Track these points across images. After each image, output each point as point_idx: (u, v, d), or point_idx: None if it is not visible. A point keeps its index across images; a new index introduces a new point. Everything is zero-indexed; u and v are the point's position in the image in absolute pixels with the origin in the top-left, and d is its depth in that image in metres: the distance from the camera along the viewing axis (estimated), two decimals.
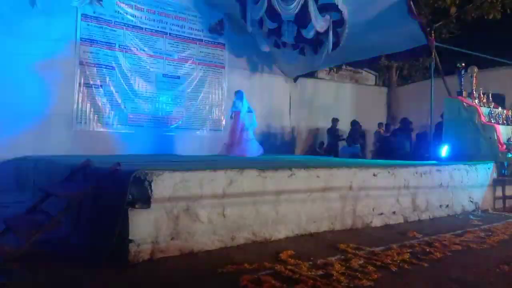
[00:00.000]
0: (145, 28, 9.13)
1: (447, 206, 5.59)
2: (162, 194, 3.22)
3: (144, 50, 9.09)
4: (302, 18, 7.96)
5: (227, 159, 7.18)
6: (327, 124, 12.08)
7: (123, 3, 8.82)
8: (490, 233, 4.41)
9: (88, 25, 8.39)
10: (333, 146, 11.45)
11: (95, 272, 2.86)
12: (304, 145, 12.10)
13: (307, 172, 4.21)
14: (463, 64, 7.53)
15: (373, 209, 4.70)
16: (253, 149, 8.50)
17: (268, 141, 10.97)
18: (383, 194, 4.82)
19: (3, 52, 7.27)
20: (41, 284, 2.68)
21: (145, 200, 3.14)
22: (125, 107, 8.80)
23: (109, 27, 8.63)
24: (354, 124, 11.55)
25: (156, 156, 7.51)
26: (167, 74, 9.44)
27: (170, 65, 9.50)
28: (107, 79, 8.61)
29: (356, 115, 11.82)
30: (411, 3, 7.41)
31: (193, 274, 2.90)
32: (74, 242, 3.58)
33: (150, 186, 3.16)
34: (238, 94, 8.68)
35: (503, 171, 6.47)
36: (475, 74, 7.46)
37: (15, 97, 7.29)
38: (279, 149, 11.21)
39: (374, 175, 4.77)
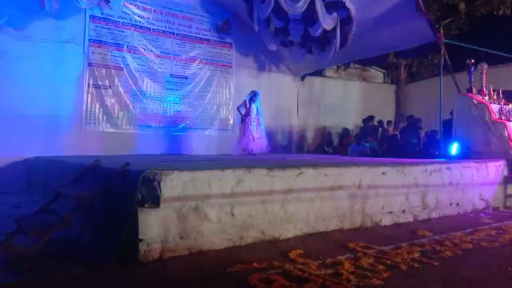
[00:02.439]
0: (153, 29, 9.17)
1: (458, 204, 5.53)
2: (171, 193, 3.23)
3: (152, 51, 9.13)
4: (309, 17, 7.94)
5: (235, 159, 7.18)
6: (334, 122, 12.02)
7: (130, 4, 8.86)
8: (501, 231, 4.36)
9: (97, 26, 8.44)
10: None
11: (106, 271, 2.88)
12: (312, 143, 12.06)
13: (316, 170, 4.19)
14: (473, 61, 7.45)
15: (382, 208, 4.67)
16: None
17: (276, 140, 10.96)
18: (392, 193, 4.79)
19: (13, 54, 7.36)
20: (52, 284, 2.70)
21: (155, 200, 3.16)
22: (133, 108, 8.86)
23: (117, 28, 8.68)
24: (364, 121, 11.49)
25: (165, 156, 7.54)
26: (174, 74, 9.47)
27: (178, 65, 9.53)
28: (116, 80, 8.66)
29: (364, 113, 11.75)
30: None
31: (202, 273, 2.91)
32: (85, 242, 3.61)
33: (159, 185, 3.17)
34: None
35: None
36: (485, 71, 7.39)
37: (25, 99, 7.37)
38: (287, 148, 11.20)
39: (383, 173, 4.74)
